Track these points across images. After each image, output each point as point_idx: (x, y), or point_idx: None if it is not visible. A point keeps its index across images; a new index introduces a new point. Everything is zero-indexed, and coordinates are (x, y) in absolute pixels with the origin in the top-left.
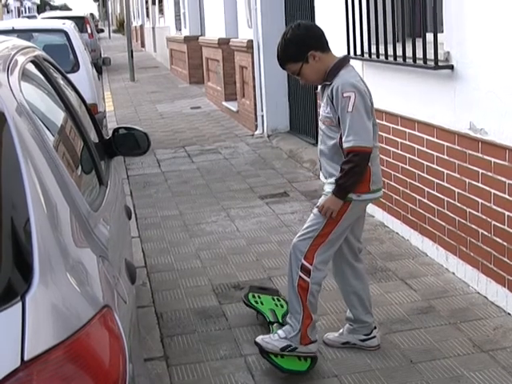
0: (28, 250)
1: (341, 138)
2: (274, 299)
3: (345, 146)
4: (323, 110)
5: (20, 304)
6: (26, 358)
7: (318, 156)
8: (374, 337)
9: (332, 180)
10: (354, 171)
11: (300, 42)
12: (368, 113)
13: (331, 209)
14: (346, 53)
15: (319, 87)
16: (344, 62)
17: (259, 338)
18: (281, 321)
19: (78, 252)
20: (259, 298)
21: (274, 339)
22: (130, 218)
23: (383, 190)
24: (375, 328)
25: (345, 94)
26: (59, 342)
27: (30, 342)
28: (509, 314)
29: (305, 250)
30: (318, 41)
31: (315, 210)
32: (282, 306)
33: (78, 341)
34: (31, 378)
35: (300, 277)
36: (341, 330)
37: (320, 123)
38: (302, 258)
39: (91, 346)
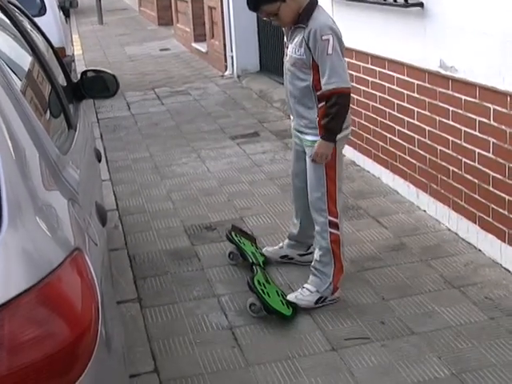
0: None
1: (314, 81)
2: (252, 245)
3: (327, 88)
4: (293, 51)
5: None
6: None
7: (286, 96)
8: (311, 253)
9: (302, 123)
10: (341, 113)
11: None
12: (343, 54)
13: (325, 153)
14: None
15: (284, 29)
16: (315, 3)
17: (292, 297)
18: (263, 266)
19: (47, 196)
20: (241, 238)
21: (305, 295)
22: (99, 160)
23: (354, 128)
24: (312, 245)
25: (324, 37)
26: (30, 286)
27: (0, 286)
28: (479, 250)
29: (325, 207)
30: None
31: (310, 166)
32: (261, 255)
33: (49, 285)
34: (3, 323)
35: (331, 233)
36: (281, 244)
37: (288, 64)
38: (327, 215)
39: (63, 290)
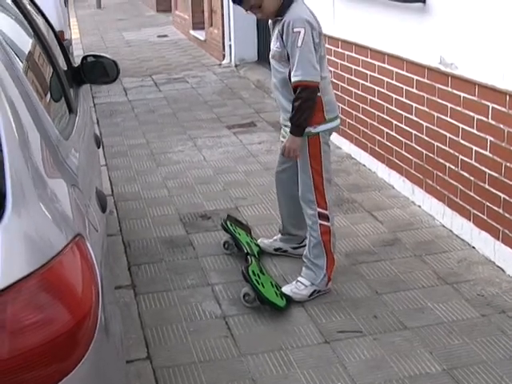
0: (1, 179)
1: (290, 73)
2: (247, 235)
3: (293, 80)
4: (273, 44)
5: None
6: None
7: (272, 89)
8: (305, 245)
9: (285, 117)
10: (305, 106)
11: None
12: (318, 47)
13: (292, 148)
14: None
15: (270, 21)
16: None
17: (287, 290)
18: (257, 256)
19: (50, 181)
20: (236, 228)
21: (300, 289)
22: (99, 146)
23: (351, 121)
24: (306, 238)
25: (295, 30)
26: (32, 270)
27: (3, 271)
28: (473, 247)
29: (314, 199)
30: None
31: (298, 160)
32: (255, 245)
33: (51, 270)
34: (5, 307)
35: (321, 225)
36: (275, 237)
37: (270, 57)
38: (316, 207)
39: (64, 275)
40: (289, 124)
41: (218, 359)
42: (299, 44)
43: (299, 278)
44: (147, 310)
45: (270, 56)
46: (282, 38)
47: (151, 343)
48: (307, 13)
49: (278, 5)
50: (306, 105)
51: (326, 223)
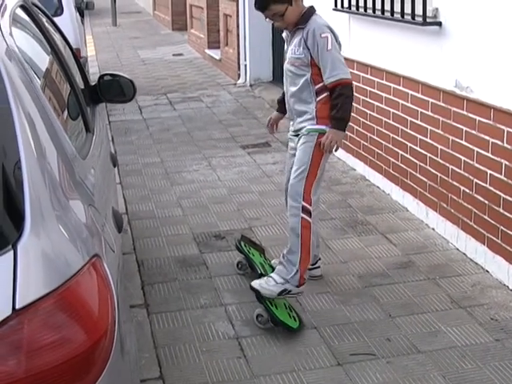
0: (20, 199)
1: (312, 75)
2: (261, 256)
3: (330, 80)
4: (293, 51)
5: (11, 252)
6: (17, 307)
7: (287, 98)
8: (319, 267)
9: (301, 119)
10: (348, 101)
11: None
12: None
13: (335, 139)
14: (333, 5)
15: (285, 32)
16: (314, 9)
17: (256, 284)
18: None
19: (67, 201)
20: (250, 248)
21: (270, 284)
22: (115, 165)
23: (365, 143)
24: (319, 259)
25: (323, 35)
26: (50, 290)
27: (21, 290)
28: (487, 271)
29: (302, 192)
30: None
31: (298, 154)
32: (269, 266)
33: (68, 290)
34: (22, 327)
35: (302, 218)
36: None
37: (287, 65)
38: (301, 200)
39: (81, 295)
40: (302, 125)
41: (230, 380)
42: (329, 47)
43: (271, 274)
44: (160, 330)
45: (289, 64)
46: (306, 45)
47: (164, 363)
48: (327, 23)
49: (298, 15)
50: (348, 100)
51: (307, 218)
